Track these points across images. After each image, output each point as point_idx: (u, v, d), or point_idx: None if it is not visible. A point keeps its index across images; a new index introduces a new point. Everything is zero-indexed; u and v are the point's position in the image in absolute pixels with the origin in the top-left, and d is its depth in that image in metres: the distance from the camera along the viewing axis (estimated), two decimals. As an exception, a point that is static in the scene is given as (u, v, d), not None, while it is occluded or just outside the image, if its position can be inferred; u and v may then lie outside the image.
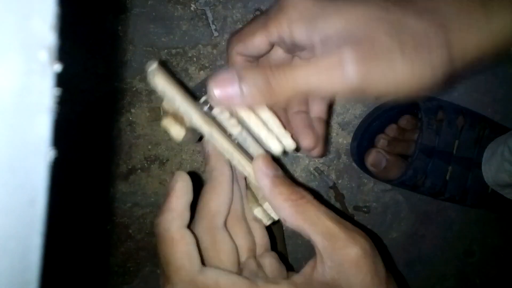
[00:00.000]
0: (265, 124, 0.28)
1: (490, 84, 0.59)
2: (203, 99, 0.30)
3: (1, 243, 0.13)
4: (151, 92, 0.54)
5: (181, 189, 0.28)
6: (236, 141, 0.30)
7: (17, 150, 0.13)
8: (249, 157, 0.29)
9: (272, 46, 0.30)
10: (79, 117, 0.52)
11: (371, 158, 0.54)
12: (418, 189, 0.56)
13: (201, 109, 0.29)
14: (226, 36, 0.54)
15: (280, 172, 0.28)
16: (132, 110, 0.54)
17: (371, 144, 0.55)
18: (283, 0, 0.27)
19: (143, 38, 0.53)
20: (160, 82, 0.28)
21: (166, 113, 0.30)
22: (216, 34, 0.53)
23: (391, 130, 0.55)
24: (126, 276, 0.59)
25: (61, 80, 0.13)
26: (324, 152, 0.32)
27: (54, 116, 0.13)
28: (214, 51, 0.54)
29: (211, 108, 0.29)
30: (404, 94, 0.25)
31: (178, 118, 0.29)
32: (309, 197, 0.27)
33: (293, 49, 0.29)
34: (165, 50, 0.54)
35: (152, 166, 0.56)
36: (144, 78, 0.54)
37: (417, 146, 0.53)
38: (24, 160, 0.13)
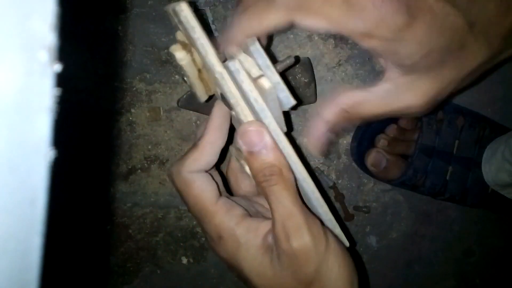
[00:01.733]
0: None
1: (490, 84, 0.59)
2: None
3: (1, 243, 0.13)
4: (151, 92, 0.54)
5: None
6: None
7: (17, 150, 0.13)
8: (253, 112, 0.29)
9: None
10: (79, 117, 0.52)
11: (371, 158, 0.54)
12: (418, 189, 0.56)
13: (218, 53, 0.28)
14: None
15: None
16: (132, 110, 0.54)
17: (371, 144, 0.55)
18: None
19: (143, 38, 0.53)
20: (186, 11, 0.27)
21: (177, 42, 0.30)
22: (216, 34, 0.53)
23: (391, 130, 0.55)
24: (126, 276, 0.59)
25: (61, 80, 0.13)
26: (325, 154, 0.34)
27: (54, 116, 0.13)
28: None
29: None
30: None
31: (188, 48, 0.29)
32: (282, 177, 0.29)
33: None
34: (165, 50, 0.54)
35: (152, 166, 0.56)
36: (144, 78, 0.54)
37: (417, 146, 0.53)
38: (24, 160, 0.13)
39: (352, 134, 0.57)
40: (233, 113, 0.30)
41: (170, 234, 0.58)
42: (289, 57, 0.30)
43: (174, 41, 0.56)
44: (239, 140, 0.29)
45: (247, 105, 0.29)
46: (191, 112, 0.55)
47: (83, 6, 0.51)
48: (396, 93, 0.27)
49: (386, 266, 0.62)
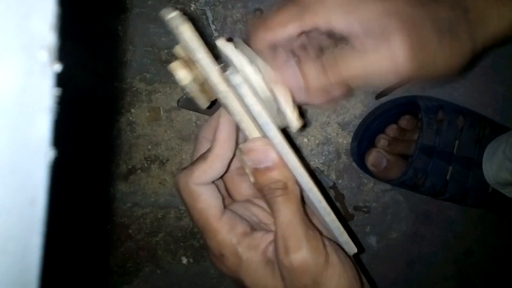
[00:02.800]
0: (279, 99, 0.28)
1: (490, 84, 0.59)
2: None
3: (1, 243, 0.13)
4: (151, 92, 0.54)
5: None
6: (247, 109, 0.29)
7: (17, 150, 0.13)
8: (257, 126, 0.29)
9: (301, 34, 0.30)
10: (79, 117, 0.52)
11: (372, 158, 0.54)
12: (418, 189, 0.56)
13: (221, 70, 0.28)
14: (226, 36, 0.54)
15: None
16: (132, 110, 0.54)
17: (371, 144, 0.55)
18: None
19: (143, 38, 0.53)
20: (187, 31, 0.27)
21: (177, 57, 0.29)
22: (216, 34, 0.53)
23: (391, 130, 0.55)
24: (126, 276, 0.59)
25: (61, 80, 0.13)
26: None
27: (54, 116, 0.13)
28: (214, 51, 0.54)
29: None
30: (439, 76, 0.29)
31: (189, 65, 0.29)
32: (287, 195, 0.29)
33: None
34: (165, 50, 0.54)
35: (152, 166, 0.56)
36: (144, 78, 0.54)
37: (417, 146, 0.53)
38: (24, 160, 0.13)
39: (352, 134, 0.57)
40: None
41: (170, 234, 0.58)
42: None
43: (174, 42, 0.56)
44: (244, 157, 0.29)
45: (251, 120, 0.29)
46: (191, 112, 0.55)
47: (83, 6, 0.51)
48: (378, 51, 0.27)
49: (386, 266, 0.62)
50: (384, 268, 0.62)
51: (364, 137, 0.56)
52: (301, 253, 0.28)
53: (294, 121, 0.28)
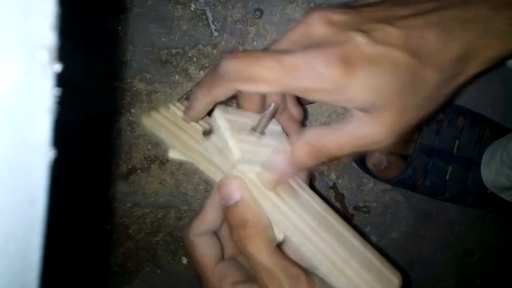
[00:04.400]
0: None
1: (490, 84, 0.59)
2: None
3: (1, 243, 0.13)
4: (151, 92, 0.54)
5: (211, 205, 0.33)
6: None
7: (17, 150, 0.13)
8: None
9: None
10: (79, 117, 0.52)
11: (372, 158, 0.54)
12: (417, 189, 0.56)
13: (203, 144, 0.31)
14: (226, 36, 0.54)
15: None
16: (132, 110, 0.54)
17: (371, 144, 0.55)
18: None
19: (143, 38, 0.53)
20: (145, 125, 0.32)
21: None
22: (216, 34, 0.53)
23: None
24: (126, 276, 0.59)
25: (61, 80, 0.13)
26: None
27: (54, 116, 0.13)
28: (214, 51, 0.54)
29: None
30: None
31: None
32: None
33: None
34: (165, 50, 0.54)
35: (152, 166, 0.56)
36: (144, 78, 0.54)
37: (416, 145, 0.53)
38: (24, 160, 0.13)
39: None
40: None
41: (170, 234, 0.58)
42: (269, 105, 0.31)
43: (174, 42, 0.56)
44: (219, 193, 0.30)
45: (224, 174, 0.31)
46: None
47: (83, 6, 0.51)
48: (362, 129, 0.28)
49: (386, 266, 0.62)
50: (384, 268, 0.62)
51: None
52: None
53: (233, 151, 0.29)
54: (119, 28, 0.52)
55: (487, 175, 0.54)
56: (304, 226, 0.29)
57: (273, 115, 0.30)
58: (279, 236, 0.29)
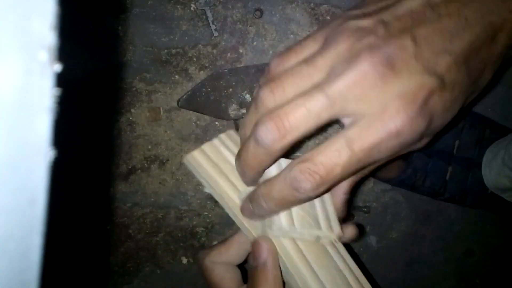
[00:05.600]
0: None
1: (490, 84, 0.59)
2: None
3: (1, 243, 0.13)
4: (151, 92, 0.54)
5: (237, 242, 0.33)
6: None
7: (17, 150, 0.13)
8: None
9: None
10: (79, 117, 0.52)
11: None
12: (417, 189, 0.56)
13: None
14: (226, 36, 0.54)
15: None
16: (132, 110, 0.54)
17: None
18: None
19: (143, 38, 0.53)
20: (193, 169, 0.31)
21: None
22: (216, 34, 0.53)
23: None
24: (126, 276, 0.59)
25: (61, 80, 0.13)
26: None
27: (54, 116, 0.13)
28: (214, 51, 0.54)
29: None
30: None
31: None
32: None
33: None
34: (165, 50, 0.54)
35: (152, 166, 0.56)
36: (144, 78, 0.54)
37: (417, 146, 0.53)
38: (24, 160, 0.13)
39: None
40: None
41: (170, 234, 0.58)
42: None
43: (174, 42, 0.56)
44: (252, 249, 0.29)
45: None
46: (191, 112, 0.55)
47: (83, 6, 0.51)
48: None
49: (386, 266, 0.62)
50: (384, 268, 0.62)
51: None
52: None
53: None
54: (119, 28, 0.52)
55: (488, 176, 0.54)
56: None
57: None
58: None
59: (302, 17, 0.55)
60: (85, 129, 0.53)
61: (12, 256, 0.14)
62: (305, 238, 0.29)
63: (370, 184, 0.60)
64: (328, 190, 0.26)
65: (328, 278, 0.28)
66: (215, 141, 0.33)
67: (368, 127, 0.23)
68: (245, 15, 0.54)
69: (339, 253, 0.30)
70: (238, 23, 0.54)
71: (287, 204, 0.27)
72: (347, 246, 0.31)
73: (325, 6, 0.55)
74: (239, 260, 0.33)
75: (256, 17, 0.54)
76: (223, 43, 0.54)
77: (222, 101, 0.54)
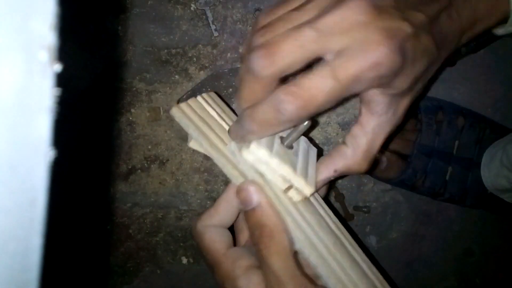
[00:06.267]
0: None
1: (490, 84, 0.59)
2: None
3: (1, 243, 0.13)
4: (151, 92, 0.54)
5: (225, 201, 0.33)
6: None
7: (17, 150, 0.13)
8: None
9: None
10: (79, 117, 0.52)
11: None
12: (417, 189, 0.56)
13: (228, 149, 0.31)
14: (226, 36, 0.54)
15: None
16: (132, 110, 0.54)
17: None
18: None
19: (143, 38, 0.53)
20: (175, 114, 0.31)
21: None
22: (216, 34, 0.53)
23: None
24: (126, 276, 0.59)
25: (61, 80, 0.13)
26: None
27: (54, 116, 0.13)
28: (214, 51, 0.54)
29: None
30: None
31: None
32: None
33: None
34: (165, 50, 0.54)
35: (152, 166, 0.56)
36: (144, 78, 0.54)
37: (415, 146, 0.53)
38: (24, 160, 0.13)
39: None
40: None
41: (170, 234, 0.58)
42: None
43: (174, 42, 0.56)
44: (237, 198, 0.30)
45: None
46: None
47: (83, 6, 0.51)
48: (382, 119, 0.30)
49: (386, 266, 0.62)
50: (384, 268, 0.62)
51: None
52: None
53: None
54: (119, 28, 0.52)
55: (487, 177, 0.54)
56: (321, 246, 0.29)
57: (304, 131, 0.31)
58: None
59: (302, 17, 0.55)
60: (85, 129, 0.53)
61: (12, 256, 0.14)
62: (277, 181, 0.30)
63: (370, 184, 0.60)
64: (308, 118, 0.28)
65: (315, 221, 0.30)
66: (199, 98, 0.34)
67: (352, 58, 0.25)
68: (245, 15, 0.54)
69: (319, 204, 0.33)
70: (238, 23, 0.54)
71: (269, 127, 0.27)
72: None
73: None
74: (230, 220, 0.34)
75: (256, 17, 0.54)
76: (223, 43, 0.54)
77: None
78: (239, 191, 0.29)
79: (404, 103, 0.30)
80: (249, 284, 0.29)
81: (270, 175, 0.29)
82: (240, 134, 0.29)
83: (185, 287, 0.60)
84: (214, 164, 0.56)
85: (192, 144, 0.32)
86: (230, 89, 0.54)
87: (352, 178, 0.59)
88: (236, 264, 0.30)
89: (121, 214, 0.57)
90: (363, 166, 0.32)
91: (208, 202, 0.58)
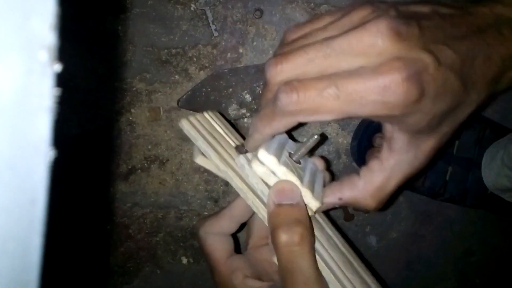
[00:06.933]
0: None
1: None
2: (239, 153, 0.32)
3: (1, 243, 0.13)
4: (151, 92, 0.54)
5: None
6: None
7: (17, 150, 0.13)
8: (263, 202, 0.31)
9: None
10: (79, 116, 0.52)
11: (373, 158, 0.54)
12: (417, 189, 0.56)
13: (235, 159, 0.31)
14: (226, 36, 0.54)
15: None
16: (132, 110, 0.54)
17: (371, 144, 0.55)
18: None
19: (143, 38, 0.53)
20: (185, 126, 0.32)
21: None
22: (216, 34, 0.53)
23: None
24: (126, 276, 0.59)
25: (61, 80, 0.13)
26: None
27: (54, 116, 0.13)
28: (214, 51, 0.54)
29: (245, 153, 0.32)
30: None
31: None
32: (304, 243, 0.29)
33: None
34: (165, 50, 0.54)
35: (152, 166, 0.56)
36: (144, 78, 0.54)
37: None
38: (24, 160, 0.13)
39: (352, 134, 0.57)
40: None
41: (170, 234, 0.58)
42: (312, 136, 0.31)
43: (174, 42, 0.56)
44: (271, 193, 0.30)
45: (256, 196, 0.30)
46: (191, 112, 0.55)
47: (83, 6, 0.51)
48: (402, 157, 0.29)
49: (386, 266, 0.62)
50: (384, 268, 0.62)
51: (364, 136, 0.56)
52: None
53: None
54: (119, 28, 0.52)
55: (488, 176, 0.54)
56: (332, 263, 0.29)
57: (312, 146, 0.31)
58: None
59: (302, 17, 0.55)
60: (85, 129, 0.53)
61: (12, 256, 0.14)
62: None
63: (370, 184, 0.60)
64: (303, 119, 0.27)
65: (324, 239, 0.31)
66: (206, 114, 0.36)
67: (359, 75, 0.24)
68: (245, 15, 0.54)
69: (325, 223, 0.33)
70: (238, 23, 0.54)
71: (266, 119, 0.28)
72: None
73: (325, 6, 0.55)
74: (231, 230, 0.35)
75: (256, 17, 0.54)
76: (223, 43, 0.54)
77: (222, 101, 0.54)
78: (281, 184, 0.29)
79: (428, 145, 0.28)
80: None
81: None
82: (248, 140, 0.30)
83: (185, 287, 0.60)
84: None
85: (199, 160, 0.32)
86: (230, 89, 0.54)
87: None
88: (234, 275, 0.33)
89: (121, 214, 0.57)
90: (371, 203, 0.30)
91: (208, 202, 0.58)
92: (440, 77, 0.24)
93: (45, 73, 0.13)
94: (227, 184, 0.57)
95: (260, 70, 0.54)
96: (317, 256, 0.28)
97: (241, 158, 0.30)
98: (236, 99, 0.54)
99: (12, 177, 0.13)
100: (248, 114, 0.54)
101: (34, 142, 0.13)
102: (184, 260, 0.59)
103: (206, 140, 0.32)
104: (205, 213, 0.58)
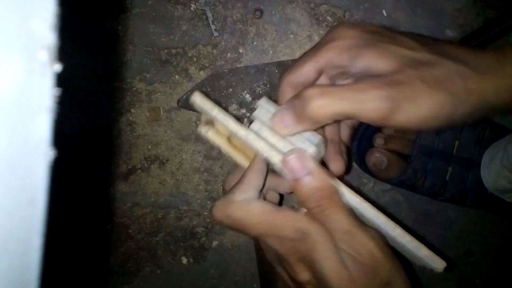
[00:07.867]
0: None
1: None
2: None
3: (1, 243, 0.13)
4: (151, 92, 0.54)
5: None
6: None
7: (17, 150, 0.13)
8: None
9: (319, 74, 0.32)
10: (79, 116, 0.52)
11: (373, 157, 0.54)
12: (417, 189, 0.56)
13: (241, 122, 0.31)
14: (226, 36, 0.54)
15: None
16: (132, 110, 0.54)
17: (371, 144, 0.55)
18: (334, 32, 0.31)
19: (143, 38, 0.53)
20: (198, 99, 0.31)
21: (203, 122, 0.33)
22: (216, 34, 0.53)
23: (389, 129, 0.55)
24: (126, 276, 0.59)
25: (61, 80, 0.13)
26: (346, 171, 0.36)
27: (54, 116, 0.13)
28: (214, 51, 0.54)
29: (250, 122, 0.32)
30: (426, 127, 0.29)
31: (211, 123, 0.33)
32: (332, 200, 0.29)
33: (337, 78, 0.33)
34: (165, 50, 0.54)
35: (152, 166, 0.56)
36: (144, 78, 0.54)
37: (415, 146, 0.53)
38: (24, 160, 0.13)
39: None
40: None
41: (170, 234, 0.58)
42: None
43: (174, 42, 0.56)
44: (284, 170, 0.29)
45: (278, 153, 0.30)
46: (191, 112, 0.55)
47: (83, 6, 0.51)
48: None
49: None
50: (384, 268, 0.62)
51: (364, 136, 0.56)
52: (374, 256, 0.28)
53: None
54: (119, 28, 0.52)
55: (487, 177, 0.54)
56: (369, 204, 0.30)
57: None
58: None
59: (302, 17, 0.55)
60: (85, 129, 0.53)
61: (12, 256, 0.14)
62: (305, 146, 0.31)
63: (370, 184, 0.60)
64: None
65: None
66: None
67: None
68: (245, 15, 0.54)
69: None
70: (238, 23, 0.54)
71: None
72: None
73: (325, 6, 0.55)
74: (260, 187, 0.31)
75: (256, 17, 0.54)
76: (223, 43, 0.54)
77: (222, 101, 0.54)
78: (286, 162, 0.29)
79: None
80: (319, 230, 0.28)
81: (299, 142, 0.30)
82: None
83: (185, 287, 0.60)
84: (214, 164, 0.56)
85: (210, 134, 0.32)
86: (230, 89, 0.54)
87: (352, 178, 0.59)
88: (298, 216, 0.29)
89: (121, 214, 0.57)
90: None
91: (208, 202, 0.58)
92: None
93: (45, 73, 0.13)
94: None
95: (260, 70, 0.54)
96: (350, 194, 0.30)
97: (257, 123, 0.31)
98: (236, 99, 0.54)
99: (12, 177, 0.13)
100: (248, 114, 0.54)
101: (34, 142, 0.13)
102: (184, 260, 0.59)
103: (221, 110, 0.31)
104: (205, 213, 0.58)
